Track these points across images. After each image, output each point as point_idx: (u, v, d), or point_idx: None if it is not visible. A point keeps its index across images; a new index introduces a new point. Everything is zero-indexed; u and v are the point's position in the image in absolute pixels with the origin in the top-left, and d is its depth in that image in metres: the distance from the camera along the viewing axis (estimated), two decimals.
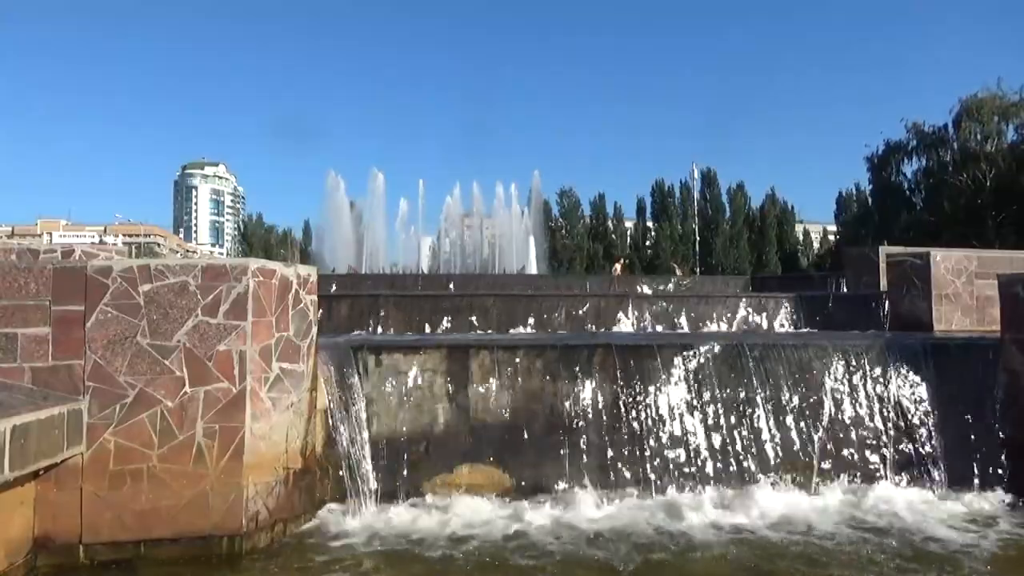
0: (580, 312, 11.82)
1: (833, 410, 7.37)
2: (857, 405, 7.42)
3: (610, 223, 75.76)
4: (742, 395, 7.30)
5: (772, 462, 7.11)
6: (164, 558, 5.43)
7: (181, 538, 5.53)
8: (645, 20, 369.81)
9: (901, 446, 7.34)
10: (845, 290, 14.94)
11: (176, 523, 5.53)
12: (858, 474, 7.19)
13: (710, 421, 7.17)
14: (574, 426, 7.01)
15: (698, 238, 60.72)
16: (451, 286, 16.67)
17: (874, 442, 7.33)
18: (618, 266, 35.92)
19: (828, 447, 7.25)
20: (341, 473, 6.44)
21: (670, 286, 17.68)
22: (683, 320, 12.00)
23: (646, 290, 16.00)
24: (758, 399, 7.30)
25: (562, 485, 6.79)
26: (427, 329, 11.03)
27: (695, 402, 7.22)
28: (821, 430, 7.28)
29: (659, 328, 11.80)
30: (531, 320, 11.56)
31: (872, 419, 7.39)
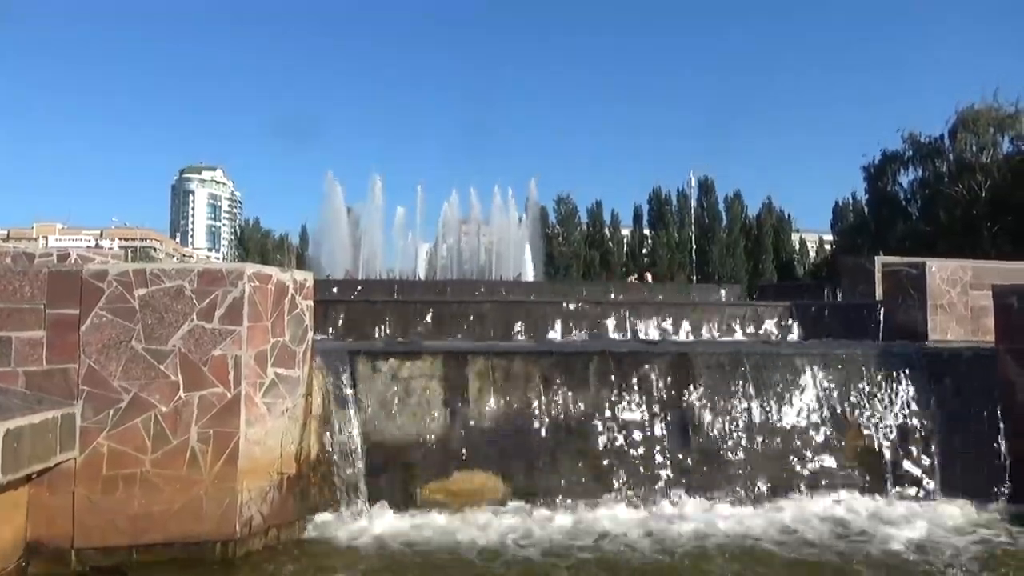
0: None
1: (827, 419, 7.37)
2: (852, 414, 7.42)
3: (607, 231, 75.98)
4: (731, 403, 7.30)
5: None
6: (157, 563, 5.40)
7: (174, 543, 5.50)
8: (645, 20, 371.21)
9: (897, 456, 7.33)
10: (841, 299, 14.97)
11: (169, 528, 5.50)
12: (854, 483, 7.18)
13: (706, 428, 7.16)
14: (571, 433, 6.99)
15: (695, 246, 60.88)
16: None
17: (869, 452, 7.32)
18: (648, 275, 36.28)
19: (823, 457, 7.24)
20: (336, 479, 6.43)
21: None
22: (680, 328, 11.99)
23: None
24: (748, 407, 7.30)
25: (558, 492, 6.77)
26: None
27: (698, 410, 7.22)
28: (815, 439, 7.28)
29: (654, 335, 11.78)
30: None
31: (867, 428, 7.38)
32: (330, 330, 10.61)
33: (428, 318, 11.06)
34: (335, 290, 14.53)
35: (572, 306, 11.73)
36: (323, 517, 6.28)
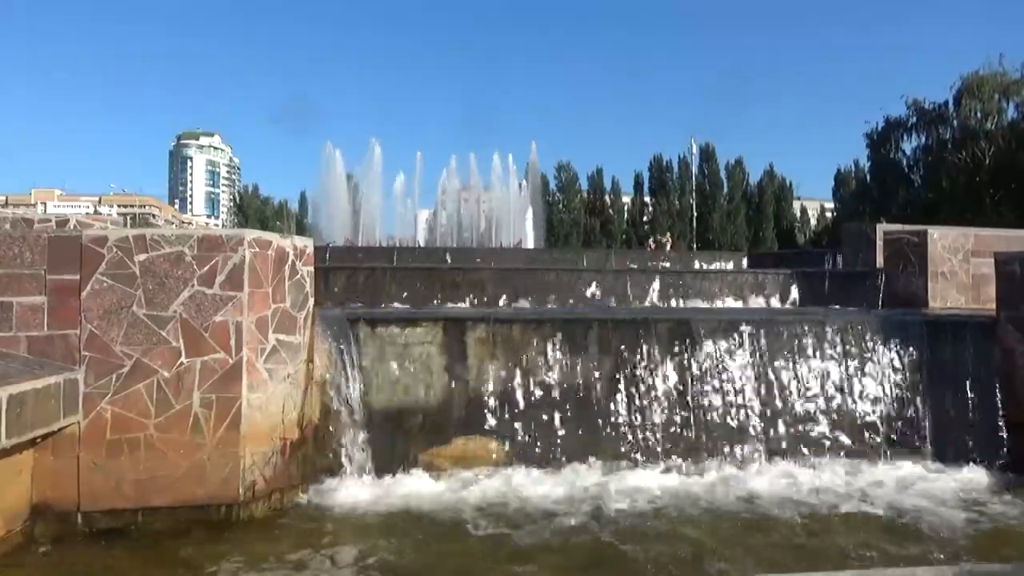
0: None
1: (827, 386, 7.40)
2: (853, 381, 7.45)
3: (607, 198, 75.65)
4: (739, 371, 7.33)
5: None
6: (162, 526, 5.47)
7: (179, 507, 5.57)
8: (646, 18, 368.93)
9: (896, 422, 7.37)
10: (841, 267, 14.94)
11: (174, 492, 5.56)
12: (854, 450, 7.24)
13: (704, 397, 7.21)
14: (566, 399, 7.03)
15: (695, 214, 60.64)
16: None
17: (868, 418, 7.36)
18: (666, 239, 36.10)
19: (825, 424, 7.29)
20: (337, 444, 6.47)
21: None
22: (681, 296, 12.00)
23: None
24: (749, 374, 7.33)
25: (554, 456, 6.83)
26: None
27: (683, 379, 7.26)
28: (820, 406, 7.32)
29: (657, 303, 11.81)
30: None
31: (867, 395, 7.42)
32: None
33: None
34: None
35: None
36: (325, 481, 6.33)
